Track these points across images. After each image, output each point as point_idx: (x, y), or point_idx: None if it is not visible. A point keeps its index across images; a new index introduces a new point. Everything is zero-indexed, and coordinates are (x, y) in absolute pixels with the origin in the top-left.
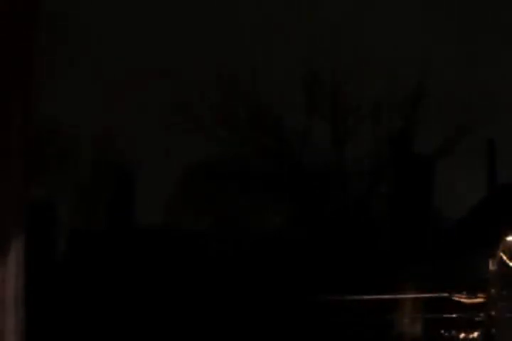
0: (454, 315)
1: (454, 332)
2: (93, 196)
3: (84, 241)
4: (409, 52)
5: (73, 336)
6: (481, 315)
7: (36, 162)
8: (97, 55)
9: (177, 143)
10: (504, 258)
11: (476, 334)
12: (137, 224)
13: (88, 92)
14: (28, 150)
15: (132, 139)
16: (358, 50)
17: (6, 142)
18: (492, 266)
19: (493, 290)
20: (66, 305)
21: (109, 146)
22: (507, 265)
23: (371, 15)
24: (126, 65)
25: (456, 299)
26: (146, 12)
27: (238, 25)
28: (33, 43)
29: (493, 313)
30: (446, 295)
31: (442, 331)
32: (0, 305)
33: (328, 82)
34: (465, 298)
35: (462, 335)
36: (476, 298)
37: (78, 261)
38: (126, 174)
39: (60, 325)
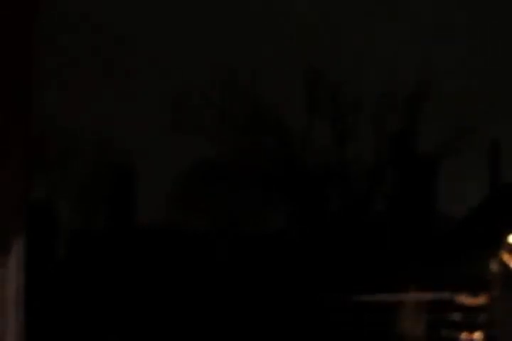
0: (455, 316)
1: (455, 333)
2: (93, 196)
3: (84, 241)
4: (410, 52)
5: (73, 336)
6: (483, 315)
7: (36, 162)
8: (96, 55)
9: (177, 143)
10: (506, 258)
11: (477, 334)
12: (137, 224)
13: (88, 92)
14: (28, 150)
15: (132, 139)
16: (358, 50)
17: (5, 142)
18: (494, 267)
19: (494, 291)
20: (66, 305)
21: (109, 146)
22: (508, 265)
23: (372, 15)
24: (126, 65)
25: (458, 300)
26: (147, 11)
27: (238, 25)
28: (33, 43)
29: (494, 314)
30: (447, 295)
31: (444, 331)
32: (0, 305)
33: (329, 81)
34: (466, 299)
35: (464, 336)
36: (478, 298)
37: (78, 261)
38: (126, 174)
39: (60, 325)
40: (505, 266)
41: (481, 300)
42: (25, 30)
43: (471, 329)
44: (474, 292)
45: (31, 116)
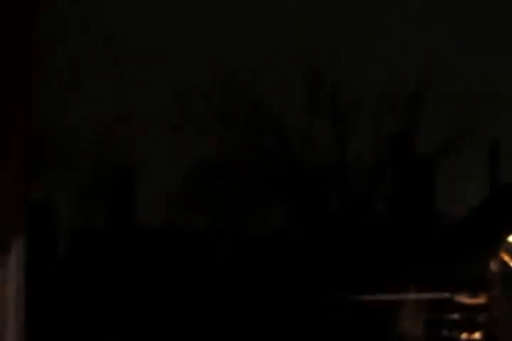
0: (455, 316)
1: (455, 333)
2: (93, 196)
3: (84, 241)
4: (410, 52)
5: (74, 336)
6: (483, 315)
7: (36, 162)
8: (96, 55)
9: (177, 143)
10: (505, 258)
11: (477, 334)
12: (137, 224)
13: (88, 92)
14: (28, 150)
15: (132, 139)
16: (358, 50)
17: (6, 142)
18: (493, 267)
19: (494, 291)
20: (67, 305)
21: (109, 146)
22: (508, 265)
23: (371, 15)
24: (126, 65)
25: (458, 300)
26: (146, 12)
27: (238, 25)
28: (33, 43)
29: (494, 314)
30: (447, 295)
31: (444, 331)
32: (0, 305)
33: (329, 81)
34: (466, 299)
35: (464, 336)
36: (478, 298)
37: (78, 261)
38: (126, 174)
39: (60, 325)
40: (505, 266)
41: (481, 300)
42: (25, 30)
43: (471, 329)
44: (474, 292)
45: (31, 116)
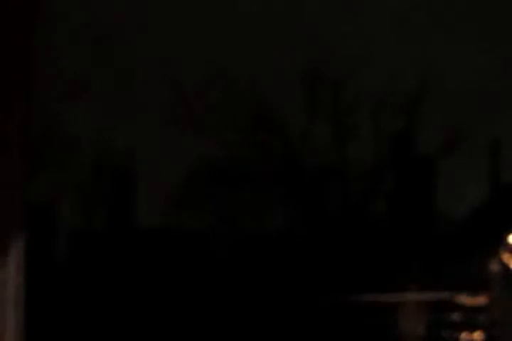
0: (455, 316)
1: (455, 333)
2: (93, 196)
3: (84, 241)
4: (411, 52)
5: (74, 336)
6: (483, 315)
7: (36, 162)
8: (97, 56)
9: (177, 143)
10: (506, 258)
11: (477, 334)
12: (137, 224)
13: (88, 92)
14: (28, 149)
15: (132, 140)
16: (358, 50)
17: (6, 142)
18: (494, 267)
19: (494, 291)
20: (67, 306)
21: (110, 147)
22: (508, 265)
23: (372, 14)
24: (126, 65)
25: (458, 300)
26: (145, 12)
27: (238, 25)
28: (33, 43)
29: (494, 314)
30: (447, 295)
31: (444, 331)
32: (0, 305)
33: (329, 81)
34: (466, 299)
35: (464, 336)
36: (478, 298)
37: (78, 261)
38: (127, 174)
39: (60, 326)
40: (505, 266)
41: (481, 300)
42: (25, 30)
43: (471, 329)
44: (474, 292)
45: (31, 115)
